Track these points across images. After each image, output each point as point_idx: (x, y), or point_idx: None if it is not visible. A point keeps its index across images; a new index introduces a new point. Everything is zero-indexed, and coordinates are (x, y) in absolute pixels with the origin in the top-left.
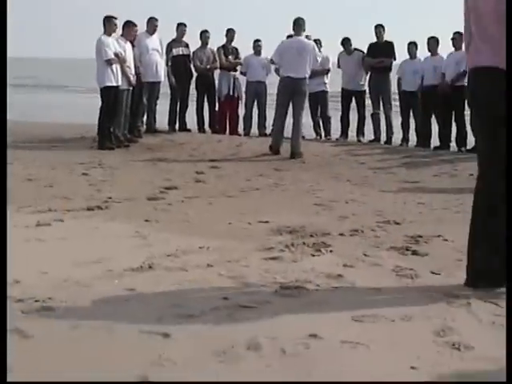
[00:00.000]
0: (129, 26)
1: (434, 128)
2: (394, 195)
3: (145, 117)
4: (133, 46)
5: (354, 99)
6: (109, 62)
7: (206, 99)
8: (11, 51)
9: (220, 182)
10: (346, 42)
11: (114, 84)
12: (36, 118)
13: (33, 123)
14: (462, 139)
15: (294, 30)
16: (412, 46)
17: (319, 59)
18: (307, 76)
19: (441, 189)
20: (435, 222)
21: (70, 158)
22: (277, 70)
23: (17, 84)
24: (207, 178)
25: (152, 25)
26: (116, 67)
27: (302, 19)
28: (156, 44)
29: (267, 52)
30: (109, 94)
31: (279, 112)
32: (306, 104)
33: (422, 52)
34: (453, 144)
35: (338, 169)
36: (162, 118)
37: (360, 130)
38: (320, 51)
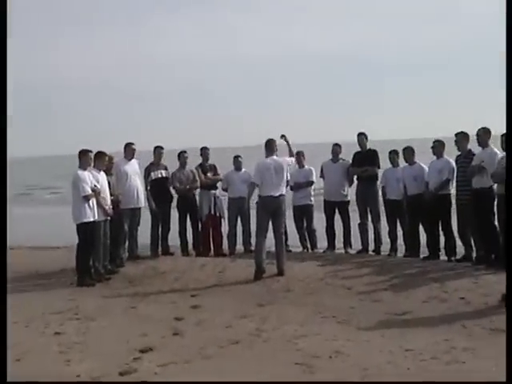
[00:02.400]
0: (100, 156)
1: (423, 236)
2: (381, 340)
3: (126, 244)
4: (106, 174)
5: (337, 210)
6: (86, 198)
7: (188, 220)
8: None
9: (199, 333)
10: (335, 148)
11: (91, 219)
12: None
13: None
14: (451, 249)
15: (266, 151)
16: (393, 155)
17: (292, 161)
18: (284, 193)
19: (431, 322)
20: None
21: (47, 303)
22: (225, 190)
23: None
24: (186, 328)
25: (130, 150)
26: (92, 202)
27: (273, 140)
28: (135, 169)
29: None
30: (85, 230)
31: (260, 232)
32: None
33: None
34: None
35: (324, 299)
36: (145, 242)
37: (347, 241)
38: (291, 151)
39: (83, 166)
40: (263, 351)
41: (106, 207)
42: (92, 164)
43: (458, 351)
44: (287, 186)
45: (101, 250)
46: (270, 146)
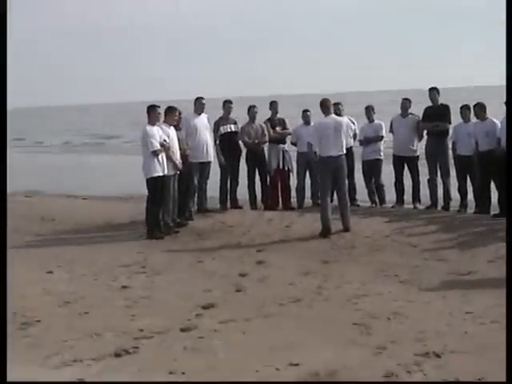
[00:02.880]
0: (171, 111)
1: (494, 193)
2: (441, 301)
3: (196, 197)
4: (176, 129)
5: (406, 165)
6: (155, 153)
7: (257, 174)
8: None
9: (261, 290)
10: (404, 102)
11: (161, 174)
12: (77, 190)
13: (75, 204)
14: None
15: (322, 110)
16: (465, 110)
17: (351, 133)
18: (345, 152)
19: (495, 283)
20: (478, 353)
21: (116, 256)
22: (293, 144)
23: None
24: (249, 284)
25: (200, 104)
26: (162, 157)
27: (327, 99)
28: (205, 123)
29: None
30: (155, 184)
31: (324, 192)
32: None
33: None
34: None
35: (388, 257)
36: (215, 196)
37: (415, 197)
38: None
39: (152, 121)
40: (323, 310)
41: (177, 162)
42: (162, 119)
43: None
44: (355, 139)
45: (170, 203)
46: (325, 105)
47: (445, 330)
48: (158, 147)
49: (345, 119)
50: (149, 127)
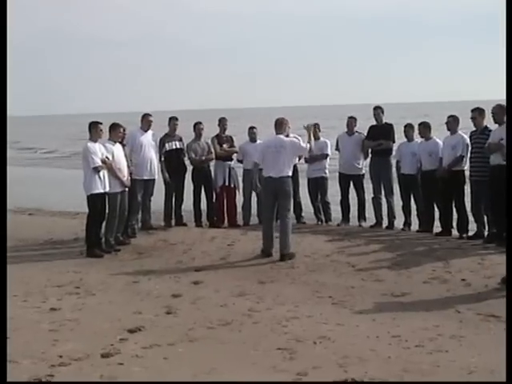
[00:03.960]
0: (115, 127)
1: (437, 212)
2: (371, 324)
3: (140, 214)
4: (122, 145)
5: (351, 183)
6: (96, 170)
7: (203, 191)
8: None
9: (192, 313)
10: (350, 121)
11: (101, 191)
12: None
13: (20, 219)
14: (463, 225)
15: (274, 128)
16: (409, 129)
17: (304, 147)
18: (289, 174)
19: (426, 305)
20: (398, 379)
21: (51, 275)
22: (239, 162)
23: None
24: (181, 306)
25: (147, 121)
26: (103, 173)
27: (283, 119)
28: (150, 140)
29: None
30: (95, 202)
31: (265, 214)
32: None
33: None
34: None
35: (325, 277)
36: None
37: (361, 215)
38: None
39: (93, 137)
40: (250, 334)
41: (124, 178)
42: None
43: (444, 339)
44: (299, 159)
45: (115, 221)
46: (278, 124)
47: (369, 354)
48: (99, 163)
49: (294, 141)
50: (90, 143)
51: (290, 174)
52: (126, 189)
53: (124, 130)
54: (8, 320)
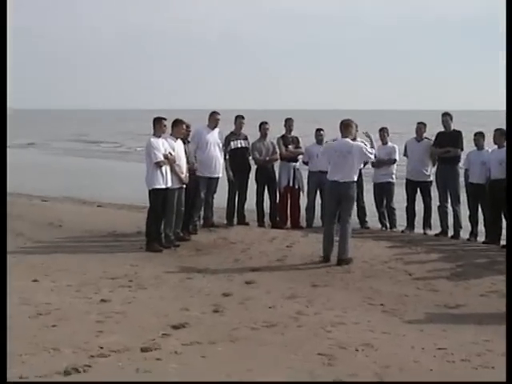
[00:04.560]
0: (177, 124)
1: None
2: (418, 335)
3: (202, 211)
4: (184, 142)
5: (419, 190)
6: (158, 165)
7: (266, 191)
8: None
9: (239, 312)
10: (419, 126)
11: (163, 186)
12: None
13: (87, 211)
14: None
15: (340, 131)
16: (479, 137)
17: (371, 156)
18: (354, 179)
19: (479, 319)
20: None
21: (108, 267)
22: (305, 163)
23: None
24: (229, 305)
25: (214, 119)
26: (165, 169)
27: (350, 121)
28: (216, 138)
29: None
30: (157, 197)
31: (327, 218)
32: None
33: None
34: None
35: (379, 284)
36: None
37: (426, 222)
38: (373, 146)
39: (157, 133)
40: (294, 337)
41: (182, 175)
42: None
43: (493, 355)
44: (365, 164)
45: (173, 217)
46: (344, 127)
47: (410, 365)
48: (162, 159)
49: (360, 145)
50: (153, 139)
51: (356, 179)
52: (184, 185)
53: (188, 127)
54: (56, 310)
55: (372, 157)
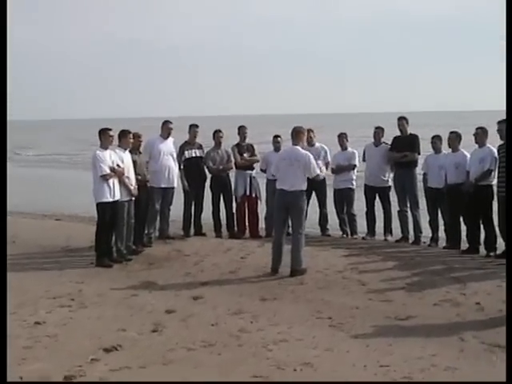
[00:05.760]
0: (124, 134)
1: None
2: (362, 351)
3: (158, 223)
4: (135, 153)
5: (377, 195)
6: (104, 178)
7: (222, 200)
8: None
9: (179, 331)
10: (377, 131)
11: (110, 199)
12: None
13: (44, 225)
14: (490, 243)
15: (291, 139)
16: (436, 140)
17: (316, 173)
18: (303, 188)
19: (428, 331)
20: None
21: (52, 285)
22: (263, 171)
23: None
24: (170, 323)
25: (166, 128)
26: (113, 182)
27: (300, 128)
28: (170, 148)
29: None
30: (104, 210)
31: (276, 228)
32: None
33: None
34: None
35: (331, 296)
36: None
37: (387, 228)
38: (327, 155)
39: (103, 144)
40: (231, 358)
41: (131, 187)
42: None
43: (437, 370)
44: (327, 168)
45: (124, 230)
46: (295, 134)
47: None
48: (107, 172)
49: (308, 155)
50: (99, 151)
51: (304, 188)
52: (133, 198)
53: (139, 137)
54: None
55: (317, 173)
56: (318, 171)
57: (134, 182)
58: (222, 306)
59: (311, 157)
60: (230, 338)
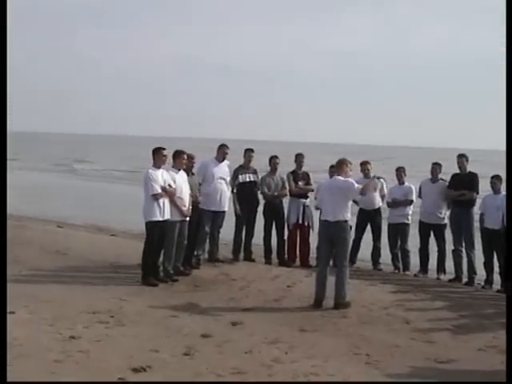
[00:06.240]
0: (178, 155)
1: None
2: None
3: (207, 245)
4: (187, 174)
5: (432, 233)
6: (155, 197)
7: (274, 227)
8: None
9: (211, 356)
10: (434, 167)
11: (160, 218)
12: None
13: (96, 240)
14: None
15: (335, 170)
16: (495, 180)
17: (357, 193)
18: (346, 218)
19: (467, 376)
20: None
21: (94, 300)
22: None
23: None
24: (203, 348)
25: (222, 152)
26: (163, 201)
27: (343, 160)
28: (224, 172)
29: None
30: (153, 229)
31: (320, 260)
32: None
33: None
34: None
35: (373, 332)
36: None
37: (440, 266)
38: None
39: (156, 164)
40: None
41: (184, 208)
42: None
43: None
44: (383, 201)
45: (172, 250)
46: (338, 165)
47: None
48: (159, 191)
49: (349, 182)
50: (151, 170)
51: (348, 217)
52: (187, 218)
53: (192, 158)
54: (20, 345)
55: (357, 194)
56: (356, 186)
57: (187, 202)
58: (260, 333)
59: (352, 181)
60: (262, 368)
